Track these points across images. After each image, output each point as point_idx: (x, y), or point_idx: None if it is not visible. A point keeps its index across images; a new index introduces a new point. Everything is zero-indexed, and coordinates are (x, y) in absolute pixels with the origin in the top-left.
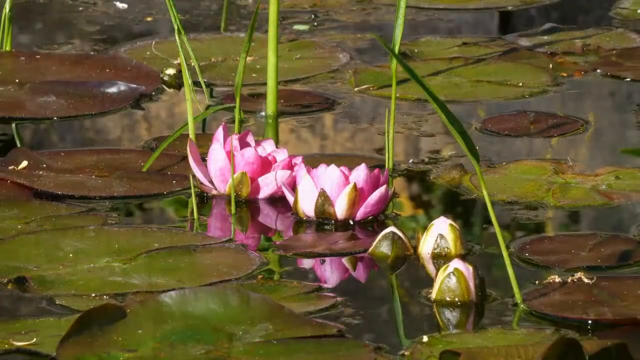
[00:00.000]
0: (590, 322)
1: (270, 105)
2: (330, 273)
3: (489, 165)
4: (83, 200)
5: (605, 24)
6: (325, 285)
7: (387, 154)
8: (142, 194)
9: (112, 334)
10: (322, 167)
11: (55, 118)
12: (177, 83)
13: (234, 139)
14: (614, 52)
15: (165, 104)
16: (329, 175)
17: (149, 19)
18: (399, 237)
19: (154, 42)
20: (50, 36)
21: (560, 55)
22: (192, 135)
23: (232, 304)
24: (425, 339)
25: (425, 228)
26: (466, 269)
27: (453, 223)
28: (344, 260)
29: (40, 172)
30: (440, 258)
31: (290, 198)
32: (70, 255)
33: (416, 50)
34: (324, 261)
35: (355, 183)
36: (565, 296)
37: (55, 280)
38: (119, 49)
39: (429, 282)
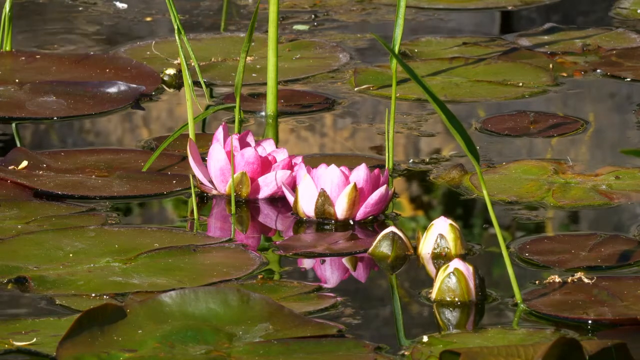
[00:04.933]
0: (590, 322)
1: (270, 105)
2: (330, 273)
3: (489, 165)
4: (83, 200)
5: (605, 24)
6: (325, 285)
7: (387, 154)
8: (142, 194)
9: (112, 334)
10: (322, 167)
11: (55, 118)
12: (177, 83)
13: (234, 139)
14: (614, 52)
15: (165, 104)
16: (329, 175)
17: (148, 19)
18: (399, 237)
19: (154, 42)
20: (50, 36)
21: (560, 55)
22: (192, 135)
23: (232, 304)
24: (425, 339)
25: (425, 228)
26: (466, 269)
27: (453, 223)
28: (344, 260)
29: (40, 172)
30: (440, 258)
31: (290, 198)
32: (70, 255)
33: (416, 50)
34: (324, 261)
35: (355, 183)
36: (565, 296)
37: (55, 280)
38: (119, 49)
39: (429, 282)
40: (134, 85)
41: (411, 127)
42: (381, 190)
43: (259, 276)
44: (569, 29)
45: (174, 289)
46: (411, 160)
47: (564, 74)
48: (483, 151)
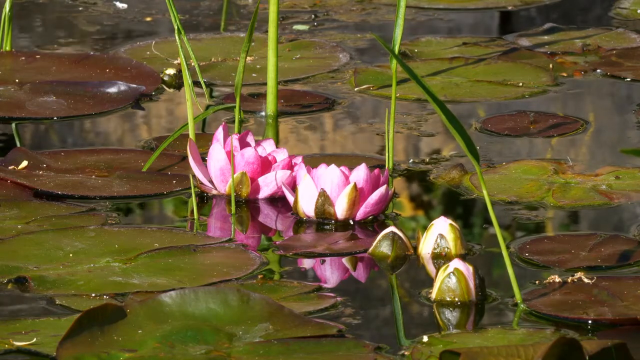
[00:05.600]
0: (590, 322)
1: (270, 105)
2: (330, 273)
3: (489, 165)
4: (83, 200)
5: (605, 24)
6: (325, 285)
7: (387, 154)
8: (142, 194)
9: (112, 334)
10: (322, 167)
11: (55, 118)
12: (177, 83)
13: (234, 139)
14: (614, 52)
15: (165, 104)
16: (329, 175)
17: (148, 19)
18: (399, 237)
19: (154, 42)
20: (50, 36)
21: (560, 55)
22: (192, 135)
23: (232, 304)
24: (425, 339)
25: (425, 228)
26: (466, 269)
27: (453, 223)
28: (344, 260)
29: (40, 172)
30: (440, 258)
31: (290, 198)
32: (70, 255)
33: (416, 50)
34: (324, 261)
35: (355, 183)
36: (565, 296)
37: (55, 280)
38: (119, 49)
39: (429, 282)
40: (134, 85)
41: (411, 127)
42: (381, 190)
43: (259, 276)
44: (568, 29)
45: (174, 289)
46: (411, 160)
47: (564, 74)
48: (483, 151)
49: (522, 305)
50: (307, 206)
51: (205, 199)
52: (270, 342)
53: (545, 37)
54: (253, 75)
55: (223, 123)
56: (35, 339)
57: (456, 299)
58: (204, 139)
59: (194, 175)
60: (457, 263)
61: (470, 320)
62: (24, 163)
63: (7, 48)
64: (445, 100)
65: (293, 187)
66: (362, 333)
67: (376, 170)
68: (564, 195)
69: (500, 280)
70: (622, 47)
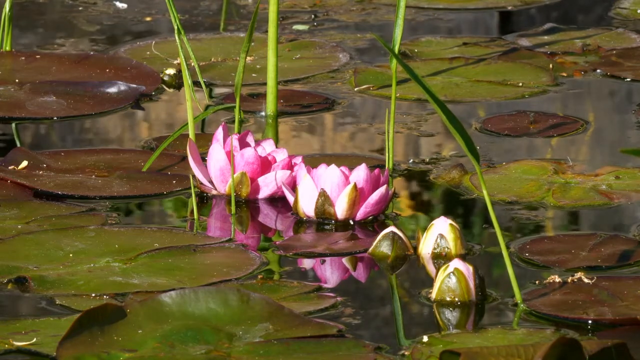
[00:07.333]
0: (590, 322)
1: (270, 105)
2: (330, 273)
3: (489, 165)
4: (83, 200)
5: (605, 24)
6: (325, 285)
7: (387, 154)
8: (142, 194)
9: (112, 334)
10: (322, 167)
11: (55, 118)
12: (177, 83)
13: (234, 139)
14: (614, 52)
15: (165, 104)
16: (329, 175)
17: (148, 19)
18: (399, 237)
19: (154, 42)
20: (50, 36)
21: (560, 55)
22: (192, 135)
23: (232, 304)
24: (425, 339)
25: (425, 228)
26: (466, 269)
27: (453, 223)
28: (344, 260)
29: (40, 172)
30: (440, 258)
31: (290, 198)
32: (70, 255)
33: (416, 50)
34: (324, 261)
35: (355, 183)
36: (565, 296)
37: (55, 280)
38: (119, 49)
39: (429, 282)
40: (134, 85)
41: (411, 127)
42: (381, 190)
43: (259, 276)
44: (569, 29)
45: (174, 289)
46: (411, 160)
47: (564, 74)
48: (483, 151)
49: (522, 305)
50: (307, 206)
51: (205, 199)
52: (270, 342)
53: (545, 37)
54: (253, 75)
55: (223, 123)
56: (35, 339)
57: (456, 299)
58: (204, 139)
59: (193, 175)
60: (457, 263)
61: (470, 320)
62: (24, 163)
63: (7, 48)
64: (445, 100)
65: (293, 187)
66: (362, 333)
67: (376, 170)
68: (564, 195)
69: (500, 280)
70: (622, 47)
